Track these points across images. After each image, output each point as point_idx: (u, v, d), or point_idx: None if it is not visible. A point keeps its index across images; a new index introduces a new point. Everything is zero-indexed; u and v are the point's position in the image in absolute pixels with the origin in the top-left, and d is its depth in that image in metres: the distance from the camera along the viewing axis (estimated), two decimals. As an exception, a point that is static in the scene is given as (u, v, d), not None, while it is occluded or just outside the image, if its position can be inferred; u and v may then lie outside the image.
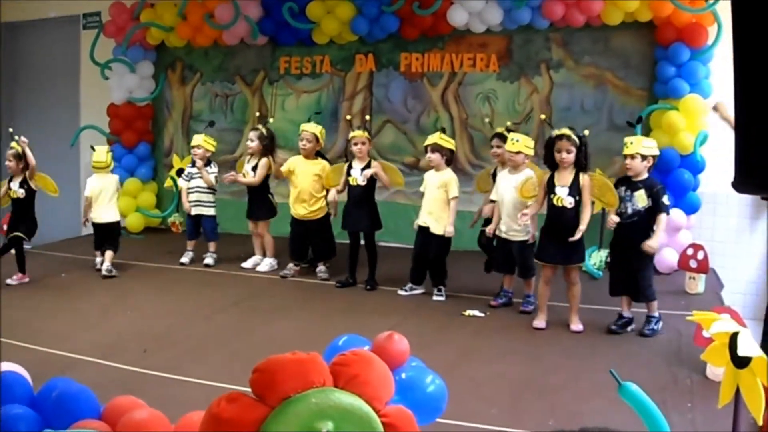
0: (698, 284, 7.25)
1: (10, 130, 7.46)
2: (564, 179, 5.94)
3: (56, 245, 9.38)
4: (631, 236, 5.92)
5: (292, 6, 9.20)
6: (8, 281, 7.34)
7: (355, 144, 7.38)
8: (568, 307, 6.15)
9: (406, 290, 7.20)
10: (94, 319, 6.35)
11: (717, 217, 8.16)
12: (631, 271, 5.97)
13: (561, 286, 6.22)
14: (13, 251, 7.52)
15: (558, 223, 6.01)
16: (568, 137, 5.84)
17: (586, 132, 6.07)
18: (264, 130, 8.10)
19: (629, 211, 5.92)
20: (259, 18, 9.64)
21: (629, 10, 8.07)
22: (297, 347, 5.37)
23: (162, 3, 10.11)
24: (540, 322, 6.14)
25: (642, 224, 5.90)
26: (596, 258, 8.03)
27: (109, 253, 8.00)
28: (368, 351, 2.52)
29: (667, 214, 5.97)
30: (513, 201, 6.52)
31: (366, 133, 7.50)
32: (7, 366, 3.63)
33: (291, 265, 7.95)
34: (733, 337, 3.14)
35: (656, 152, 6.11)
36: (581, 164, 5.94)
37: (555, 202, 5.96)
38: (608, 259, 7.76)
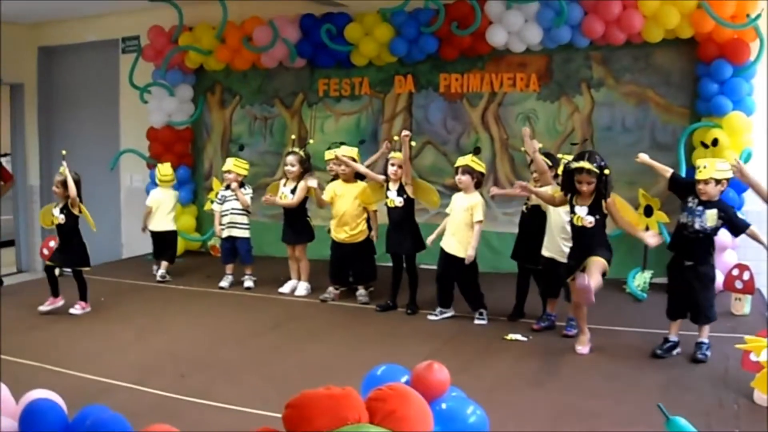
0: (744, 305, 7.12)
1: (64, 152, 7.40)
2: (583, 201, 5.80)
3: (96, 269, 9.37)
4: (693, 253, 5.78)
5: (330, 28, 9.22)
6: (41, 308, 7.29)
7: (392, 165, 7.32)
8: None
9: (436, 315, 7.11)
10: (128, 342, 6.34)
11: (762, 236, 7.98)
12: (692, 292, 5.79)
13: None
14: (59, 276, 7.44)
15: (581, 243, 5.89)
16: (588, 171, 5.65)
17: (607, 171, 5.70)
18: (302, 154, 8.07)
19: (696, 226, 5.71)
20: (297, 40, 9.66)
21: (670, 27, 7.96)
22: (332, 373, 5.37)
23: (200, 26, 10.17)
24: (582, 347, 6.00)
25: (705, 243, 5.77)
26: (640, 279, 7.91)
27: (164, 263, 8.97)
28: (405, 385, 2.43)
29: (749, 225, 5.80)
30: (559, 223, 6.41)
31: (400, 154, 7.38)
32: (41, 393, 3.60)
33: (331, 288, 7.90)
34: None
35: (730, 175, 5.84)
36: (601, 194, 5.74)
37: (576, 222, 5.84)
38: (651, 280, 7.71)
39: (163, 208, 9.04)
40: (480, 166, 6.94)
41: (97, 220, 7.57)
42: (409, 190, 7.30)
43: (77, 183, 7.21)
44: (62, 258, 7.39)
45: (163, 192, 9.16)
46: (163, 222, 9.03)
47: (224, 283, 8.45)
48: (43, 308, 7.30)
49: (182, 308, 7.60)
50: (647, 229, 7.77)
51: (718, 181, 5.71)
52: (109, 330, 6.72)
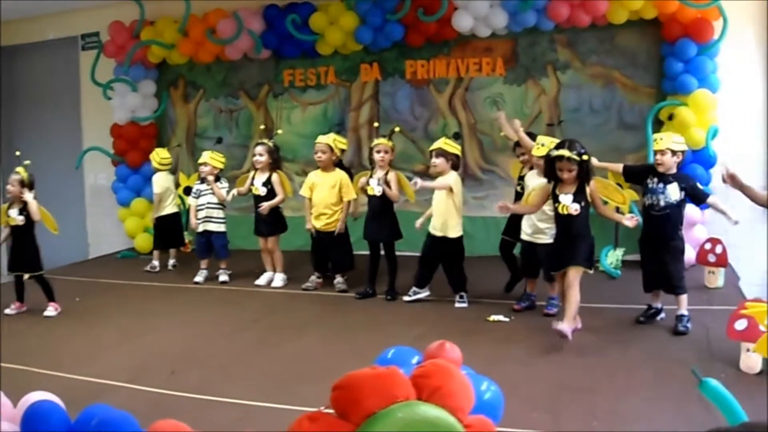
0: (718, 278, 7.26)
1: (18, 153, 7.27)
2: (567, 188, 5.81)
3: (65, 269, 9.31)
4: (662, 229, 5.96)
5: (294, 18, 9.18)
6: (6, 311, 7.20)
7: (378, 152, 7.34)
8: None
9: (410, 295, 7.15)
10: (115, 342, 6.25)
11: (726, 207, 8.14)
12: (663, 265, 5.96)
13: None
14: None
15: (567, 231, 5.90)
16: (568, 158, 5.66)
17: (590, 158, 5.77)
18: (271, 144, 8.05)
19: (662, 203, 5.91)
20: (261, 31, 9.61)
21: (634, 8, 8.09)
22: (326, 361, 5.39)
23: (162, 20, 10.09)
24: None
25: (673, 217, 5.93)
26: (612, 257, 8.02)
27: (172, 250, 9.38)
28: (447, 361, 2.45)
29: (710, 194, 6.08)
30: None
31: (390, 142, 7.43)
32: (40, 395, 3.56)
33: (313, 277, 7.91)
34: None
35: (685, 147, 6.17)
36: (582, 180, 5.78)
37: (560, 210, 5.84)
38: (624, 257, 7.82)
39: (169, 192, 9.32)
40: (454, 148, 6.95)
41: (62, 220, 7.44)
42: (392, 181, 7.32)
43: (31, 184, 7.07)
44: (16, 262, 7.20)
45: (165, 176, 9.32)
46: (171, 205, 9.33)
47: (199, 278, 8.38)
48: (8, 311, 7.20)
49: (162, 305, 7.52)
50: (617, 210, 7.89)
51: (674, 153, 5.94)
52: (91, 330, 6.62)
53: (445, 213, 6.89)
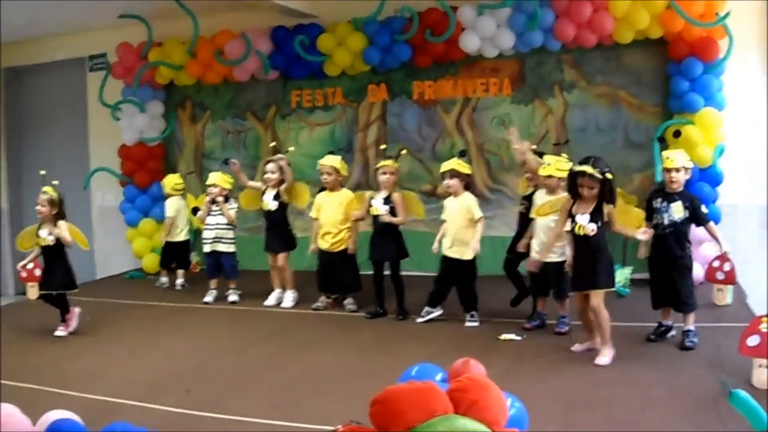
0: (726, 295, 7.29)
1: (43, 173, 7.26)
2: (584, 208, 5.68)
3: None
4: (668, 247, 6.00)
5: (303, 39, 9.24)
6: (56, 333, 7.10)
7: (383, 173, 7.36)
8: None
9: (423, 315, 7.16)
10: (127, 361, 6.28)
11: (737, 228, 8.15)
12: (672, 282, 6.00)
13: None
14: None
15: (585, 251, 5.77)
16: (591, 176, 5.52)
17: (609, 176, 5.56)
18: (281, 162, 8.05)
19: (666, 222, 5.98)
20: (269, 52, 9.68)
21: (640, 27, 8.13)
22: (338, 380, 5.41)
23: (170, 41, 10.15)
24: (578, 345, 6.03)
25: (678, 235, 5.99)
26: (621, 276, 8.00)
27: (180, 271, 9.39)
28: (483, 376, 2.48)
29: (708, 222, 6.10)
30: (548, 223, 6.46)
31: (396, 164, 7.45)
32: (60, 414, 3.58)
33: (323, 297, 7.92)
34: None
35: (691, 164, 6.33)
36: (605, 198, 5.63)
37: (577, 231, 5.70)
38: (632, 276, 7.84)
39: (182, 218, 9.38)
40: (465, 168, 6.99)
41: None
42: (397, 203, 7.34)
43: (61, 202, 7.09)
44: (49, 281, 7.18)
45: (178, 201, 9.40)
46: (183, 232, 9.41)
47: (209, 298, 8.39)
48: (58, 333, 7.12)
49: (172, 325, 7.54)
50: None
51: (686, 170, 6.07)
52: (104, 350, 6.64)
53: (461, 235, 6.92)
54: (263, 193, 8.16)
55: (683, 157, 6.13)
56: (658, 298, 6.19)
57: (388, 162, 7.42)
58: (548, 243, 6.21)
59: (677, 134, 7.95)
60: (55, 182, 7.15)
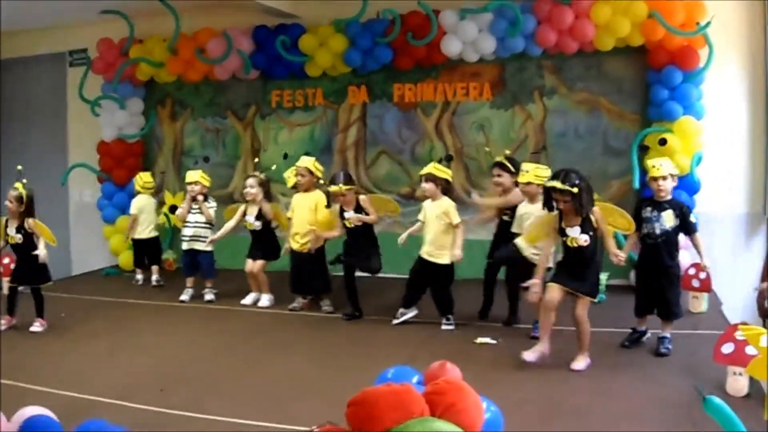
0: (701, 303, 7.35)
1: (19, 168, 7.17)
2: (572, 221, 5.67)
3: (49, 286, 9.21)
4: (659, 256, 6.01)
5: (284, 39, 9.23)
6: (32, 328, 7.10)
7: (336, 198, 7.35)
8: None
9: (397, 317, 7.14)
10: (102, 359, 6.25)
11: (713, 236, 8.20)
12: (661, 291, 6.03)
13: (566, 312, 6.06)
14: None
15: (577, 261, 5.74)
16: (561, 191, 5.53)
17: (575, 190, 5.49)
18: (262, 177, 8.06)
19: (657, 231, 5.99)
20: (250, 52, 9.66)
21: (621, 35, 8.18)
22: (314, 381, 5.41)
23: (151, 38, 10.12)
24: (530, 354, 5.76)
25: (669, 244, 6.01)
26: (598, 282, 8.03)
27: (154, 267, 9.36)
28: (460, 379, 2.49)
29: (695, 231, 6.06)
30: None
31: (344, 187, 7.24)
32: (35, 410, 3.56)
33: (299, 298, 7.91)
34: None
35: (677, 171, 6.37)
36: (579, 210, 5.60)
37: (570, 243, 5.68)
38: (608, 282, 7.87)
39: (147, 216, 9.35)
40: (444, 173, 7.00)
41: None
42: (366, 206, 7.36)
43: (30, 199, 7.04)
44: (21, 276, 7.17)
45: (145, 199, 9.39)
46: (148, 229, 9.37)
47: (185, 297, 8.36)
48: (34, 329, 7.11)
49: (148, 323, 7.51)
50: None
51: (672, 178, 6.06)
52: (79, 347, 6.60)
53: (438, 239, 6.93)
54: (245, 212, 8.14)
55: (669, 164, 6.15)
56: (642, 307, 6.21)
57: (334, 188, 7.24)
58: (541, 267, 5.98)
59: (663, 142, 7.97)
60: (24, 181, 7.05)
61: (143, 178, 9.38)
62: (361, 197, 7.41)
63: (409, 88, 9.51)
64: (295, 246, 7.74)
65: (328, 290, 7.89)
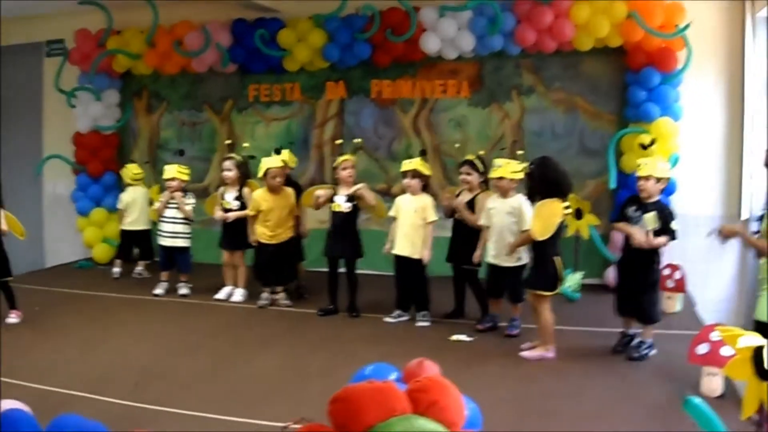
0: (675, 303, 7.41)
1: None
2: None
3: (22, 278, 9.14)
4: (638, 258, 5.94)
5: (263, 33, 9.19)
6: (7, 320, 7.06)
7: (344, 169, 7.34)
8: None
9: (393, 317, 7.15)
10: (76, 352, 6.20)
11: (688, 237, 8.25)
12: (638, 293, 5.96)
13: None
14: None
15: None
16: (527, 174, 5.87)
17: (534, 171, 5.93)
18: (240, 158, 8.02)
19: None
20: (229, 45, 9.61)
21: (600, 35, 8.20)
22: (287, 377, 5.40)
23: (129, 30, 10.04)
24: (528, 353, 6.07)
25: (649, 249, 5.91)
26: (572, 280, 8.05)
27: (142, 261, 9.32)
28: (441, 376, 2.48)
29: (673, 239, 5.93)
30: (503, 227, 6.52)
31: (354, 157, 7.42)
32: (10, 403, 3.52)
33: (265, 294, 7.83)
34: (758, 351, 3.19)
35: (669, 175, 6.19)
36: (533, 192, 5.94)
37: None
38: (583, 281, 7.91)
39: (139, 206, 9.26)
40: (427, 169, 7.04)
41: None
42: (364, 191, 7.36)
43: None
44: None
45: (137, 191, 9.32)
46: (139, 220, 9.27)
47: (159, 291, 8.32)
48: (10, 320, 7.05)
49: (121, 316, 7.46)
50: (577, 232, 8.00)
51: (658, 180, 5.93)
52: (52, 341, 6.55)
53: (412, 232, 6.94)
54: (223, 194, 8.11)
55: (657, 166, 5.98)
56: (622, 306, 6.16)
57: (346, 156, 7.42)
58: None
59: (652, 143, 7.98)
60: None
61: (132, 170, 9.30)
62: (359, 185, 7.39)
63: (387, 84, 9.50)
64: (264, 239, 7.66)
65: (293, 279, 7.98)
